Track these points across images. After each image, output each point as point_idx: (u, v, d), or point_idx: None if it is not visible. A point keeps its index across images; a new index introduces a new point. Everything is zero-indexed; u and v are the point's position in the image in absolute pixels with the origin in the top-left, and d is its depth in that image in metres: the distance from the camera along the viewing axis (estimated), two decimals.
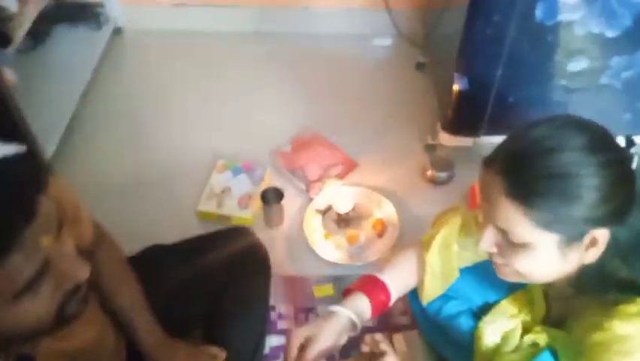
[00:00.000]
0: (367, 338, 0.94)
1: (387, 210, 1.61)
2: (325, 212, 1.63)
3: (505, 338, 1.17)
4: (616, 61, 1.44)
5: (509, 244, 0.79)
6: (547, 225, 0.73)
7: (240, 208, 1.59)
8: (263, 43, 2.24)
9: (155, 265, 1.15)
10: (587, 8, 1.32)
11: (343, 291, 1.05)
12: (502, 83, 1.46)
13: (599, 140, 0.73)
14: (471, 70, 1.46)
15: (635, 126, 1.58)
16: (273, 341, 1.32)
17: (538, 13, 1.32)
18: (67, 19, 2.08)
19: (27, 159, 0.58)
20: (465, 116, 1.58)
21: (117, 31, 2.21)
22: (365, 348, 0.93)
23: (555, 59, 1.42)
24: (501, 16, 1.33)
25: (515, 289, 1.22)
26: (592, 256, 0.78)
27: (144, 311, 1.06)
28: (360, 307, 0.99)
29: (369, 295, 1.02)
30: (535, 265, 0.79)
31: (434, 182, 1.72)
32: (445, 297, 1.23)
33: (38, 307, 0.62)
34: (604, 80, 1.48)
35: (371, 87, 2.08)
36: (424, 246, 1.09)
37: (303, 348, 0.92)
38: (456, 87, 1.49)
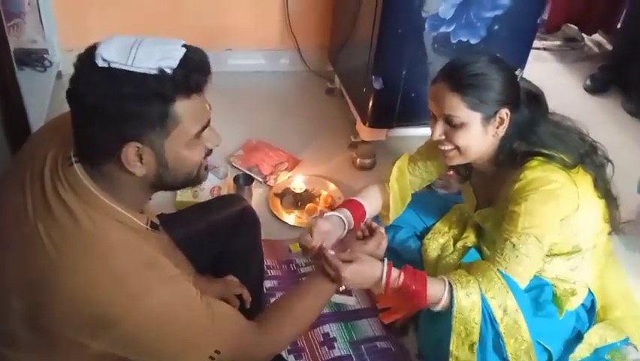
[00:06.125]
0: (362, 225, 1.32)
1: (332, 189, 2.01)
2: (282, 196, 1.98)
3: (442, 249, 1.60)
4: None
5: (452, 128, 1.24)
6: (474, 106, 1.20)
7: (212, 197, 1.87)
8: None
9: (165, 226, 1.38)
10: (456, 23, 1.90)
11: (335, 207, 1.43)
12: (406, 80, 1.98)
13: (497, 58, 1.24)
14: (384, 71, 1.96)
15: None
16: (267, 283, 1.60)
17: (427, 27, 1.88)
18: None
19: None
20: (381, 110, 2.06)
21: (58, 75, 2.41)
22: (360, 233, 1.31)
23: (439, 60, 1.97)
24: (403, 29, 1.86)
25: (443, 215, 1.68)
26: (501, 131, 1.25)
27: None
28: (346, 216, 1.41)
29: (351, 210, 1.44)
30: (470, 139, 1.24)
31: (362, 168, 2.16)
32: (396, 227, 1.65)
33: (196, 156, 0.92)
34: None
35: (294, 109, 2.51)
36: (385, 180, 1.52)
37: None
38: (375, 86, 1.97)
